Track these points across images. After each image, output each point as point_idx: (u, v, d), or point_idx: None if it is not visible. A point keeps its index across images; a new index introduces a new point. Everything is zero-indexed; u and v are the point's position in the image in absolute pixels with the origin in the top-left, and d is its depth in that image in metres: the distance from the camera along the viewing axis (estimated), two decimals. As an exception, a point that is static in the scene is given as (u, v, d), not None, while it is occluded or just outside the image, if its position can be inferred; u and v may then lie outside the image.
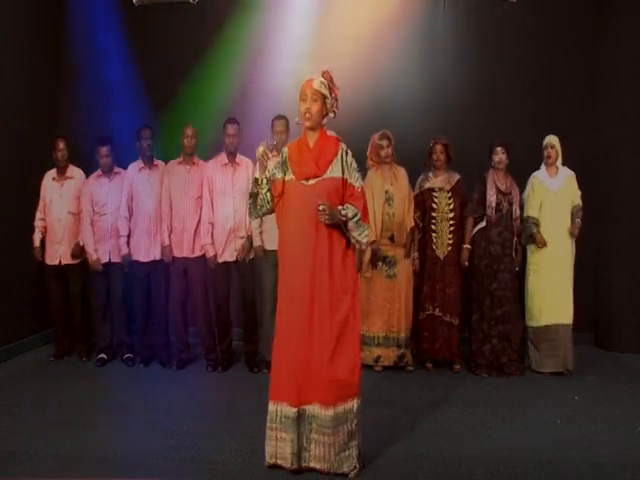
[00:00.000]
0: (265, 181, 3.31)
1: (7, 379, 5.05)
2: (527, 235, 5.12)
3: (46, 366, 5.38)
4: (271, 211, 3.38)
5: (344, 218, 3.21)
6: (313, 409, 3.24)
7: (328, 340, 3.20)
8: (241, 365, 5.27)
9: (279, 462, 3.29)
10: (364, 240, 3.31)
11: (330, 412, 3.21)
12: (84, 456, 3.57)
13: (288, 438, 3.24)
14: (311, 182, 3.24)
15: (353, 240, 3.29)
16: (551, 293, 5.05)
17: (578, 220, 5.08)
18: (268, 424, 3.30)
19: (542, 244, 5.06)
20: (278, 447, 3.27)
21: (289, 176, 3.29)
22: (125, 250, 5.24)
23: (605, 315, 5.83)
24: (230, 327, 5.31)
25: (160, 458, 3.55)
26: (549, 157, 5.11)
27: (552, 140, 5.12)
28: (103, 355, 5.40)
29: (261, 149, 3.26)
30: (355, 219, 3.23)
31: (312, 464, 3.27)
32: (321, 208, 3.11)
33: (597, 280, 5.81)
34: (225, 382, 4.96)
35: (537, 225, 5.07)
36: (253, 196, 3.37)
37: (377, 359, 5.12)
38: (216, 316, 5.24)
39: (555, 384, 4.88)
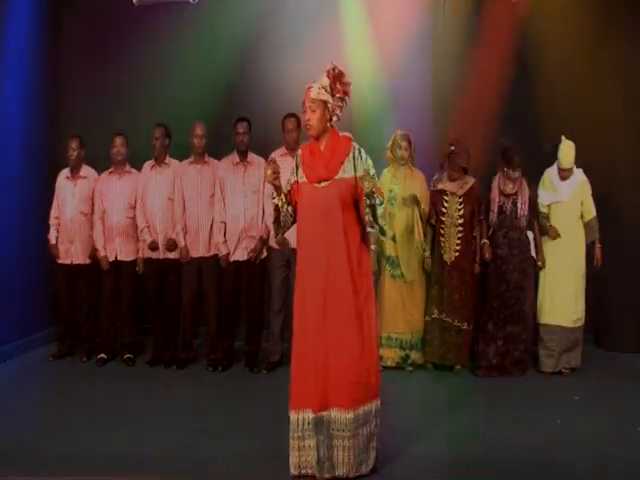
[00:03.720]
0: (284, 199, 3.30)
1: (7, 379, 5.05)
2: (542, 230, 5.10)
3: (46, 366, 5.38)
4: (295, 220, 3.37)
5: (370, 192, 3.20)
6: (330, 415, 3.19)
7: (345, 342, 3.17)
8: (241, 365, 5.26)
9: (303, 472, 3.23)
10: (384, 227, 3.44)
11: (350, 415, 3.17)
12: (84, 456, 3.57)
13: (313, 444, 3.20)
14: (323, 184, 3.23)
15: (376, 228, 3.35)
16: (561, 294, 5.03)
17: (598, 246, 5.06)
18: (291, 434, 3.24)
19: (555, 235, 5.02)
20: (303, 456, 3.22)
21: (302, 179, 3.29)
22: (149, 238, 5.23)
23: (605, 315, 5.82)
24: (234, 327, 5.30)
25: (160, 458, 3.55)
26: (564, 178, 5.04)
27: (570, 162, 4.97)
28: (103, 355, 5.40)
29: (269, 171, 3.21)
30: (382, 206, 3.27)
31: (336, 472, 3.22)
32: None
33: (597, 280, 5.79)
34: (225, 382, 4.96)
35: (547, 219, 5.06)
36: (276, 218, 3.36)
37: (379, 359, 5.11)
38: (222, 315, 5.24)
39: (555, 384, 4.88)
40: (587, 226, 5.09)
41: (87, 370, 5.27)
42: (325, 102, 3.21)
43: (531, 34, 5.81)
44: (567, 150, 5.01)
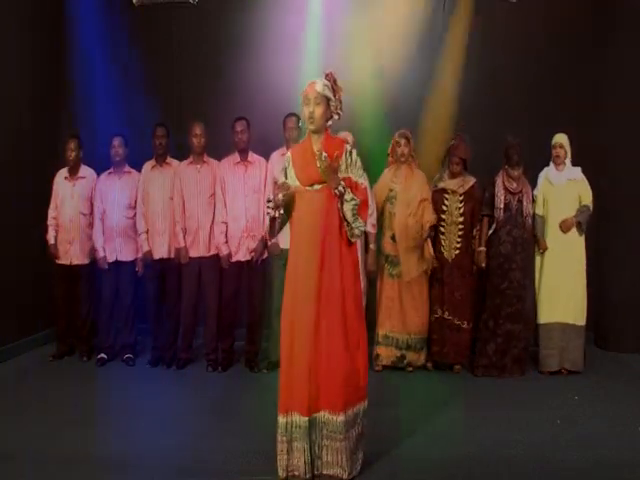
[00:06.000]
0: (281, 211, 3.21)
1: (7, 379, 5.05)
2: (534, 234, 5.11)
3: (46, 366, 5.37)
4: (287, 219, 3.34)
5: (341, 189, 3.12)
6: (323, 416, 3.20)
7: (336, 345, 3.18)
8: (241, 365, 5.26)
9: (290, 474, 3.23)
10: (357, 232, 3.23)
11: (341, 417, 3.18)
12: (84, 456, 3.58)
13: (301, 447, 3.19)
14: (316, 187, 3.21)
15: (348, 228, 3.20)
16: (558, 291, 5.02)
17: (575, 219, 5.01)
18: (279, 437, 3.23)
19: (543, 249, 5.06)
20: (292, 458, 3.22)
21: (293, 182, 3.26)
22: (146, 247, 5.23)
23: (605, 315, 5.82)
24: (234, 327, 5.30)
25: (160, 458, 3.55)
26: (557, 157, 5.06)
27: (561, 139, 5.07)
28: (103, 355, 5.40)
29: (280, 196, 3.16)
30: (352, 203, 3.16)
31: (325, 471, 3.24)
32: (323, 156, 3.07)
33: (597, 280, 5.79)
34: (225, 382, 4.96)
35: (544, 223, 5.07)
36: (271, 227, 3.30)
37: (376, 357, 5.12)
38: (222, 315, 5.24)
39: (555, 384, 4.88)
40: (579, 208, 5.05)
41: (87, 370, 5.26)
42: (328, 99, 3.21)
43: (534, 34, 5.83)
44: (559, 134, 5.09)
